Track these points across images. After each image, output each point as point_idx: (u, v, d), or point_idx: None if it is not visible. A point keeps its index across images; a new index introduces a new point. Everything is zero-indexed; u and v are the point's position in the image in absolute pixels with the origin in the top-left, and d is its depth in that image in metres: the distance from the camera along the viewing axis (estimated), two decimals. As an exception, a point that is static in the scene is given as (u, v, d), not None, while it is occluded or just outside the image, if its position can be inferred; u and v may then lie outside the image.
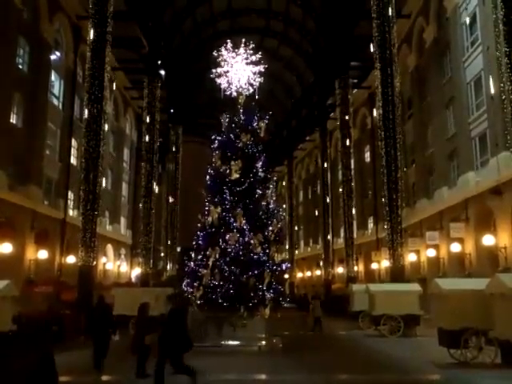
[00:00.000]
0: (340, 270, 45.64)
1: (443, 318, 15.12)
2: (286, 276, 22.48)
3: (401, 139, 28.05)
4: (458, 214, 28.25)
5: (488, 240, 24.47)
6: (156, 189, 39.98)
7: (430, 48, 33.24)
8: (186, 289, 20.67)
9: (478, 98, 27.65)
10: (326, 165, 50.65)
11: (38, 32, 30.71)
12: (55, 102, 34.76)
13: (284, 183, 71.92)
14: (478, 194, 25.77)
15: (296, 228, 68.58)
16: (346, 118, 41.38)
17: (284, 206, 66.21)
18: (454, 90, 30.12)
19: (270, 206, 21.87)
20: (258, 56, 23.34)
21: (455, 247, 27.84)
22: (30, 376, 4.47)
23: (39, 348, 4.81)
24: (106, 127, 28.88)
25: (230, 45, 23.24)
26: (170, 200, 54.62)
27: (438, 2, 31.91)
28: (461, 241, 27.80)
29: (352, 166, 41.74)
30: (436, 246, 30.77)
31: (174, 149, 55.32)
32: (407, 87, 37.37)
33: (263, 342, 18.66)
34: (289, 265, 23.88)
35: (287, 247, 59.14)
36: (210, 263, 19.99)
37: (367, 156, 48.05)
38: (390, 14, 27.18)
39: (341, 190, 41.74)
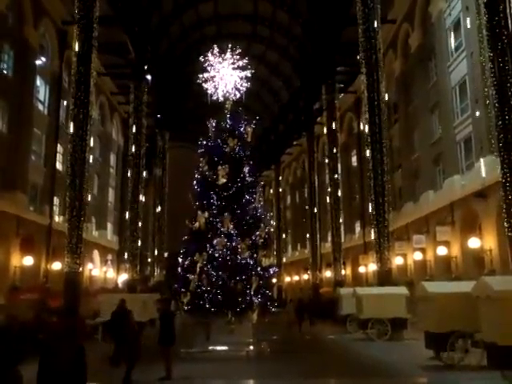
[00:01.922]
0: (328, 273, 45.71)
1: (430, 320, 15.20)
2: (274, 280, 22.49)
3: (387, 143, 28.23)
4: (444, 217, 28.48)
5: (474, 243, 24.69)
6: (143, 194, 39.73)
7: (415, 53, 33.54)
8: (174, 294, 20.63)
9: (463, 102, 27.96)
10: (312, 169, 50.77)
11: (22, 37, 30.49)
12: (40, 107, 34.49)
13: (271, 188, 71.99)
14: (464, 198, 26.01)
15: (283, 232, 68.62)
16: (333, 122, 41.55)
17: (271, 210, 66.25)
18: (439, 94, 30.41)
19: (258, 211, 21.89)
20: (245, 61, 23.42)
21: (441, 250, 28.04)
22: (72, 364, 6.12)
23: (75, 343, 6.44)
24: (92, 133, 28.69)
25: (216, 50, 23.30)
26: (157, 205, 54.37)
27: (423, 7, 32.24)
28: (447, 244, 28.01)
29: (339, 171, 41.89)
30: (422, 250, 30.97)
31: (160, 154, 55.13)
32: (393, 92, 37.67)
33: (251, 347, 18.61)
34: (276, 269, 23.92)
35: (275, 252, 59.12)
36: (198, 268, 19.95)
37: (354, 160, 48.30)
38: (376, 19, 27.35)
39: (328, 194, 41.84)
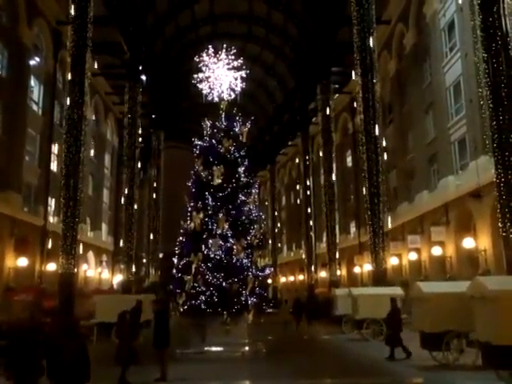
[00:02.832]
0: (323, 274, 45.74)
1: (425, 320, 15.23)
2: (269, 281, 22.50)
3: (382, 144, 28.29)
4: (439, 217, 28.55)
5: (468, 243, 24.76)
6: (138, 195, 39.62)
7: (410, 53, 33.63)
8: (169, 295, 20.61)
9: (458, 102, 28.04)
10: (308, 169, 50.79)
11: (16, 37, 30.36)
12: (35, 107, 34.36)
13: (267, 188, 71.97)
14: (458, 198, 26.09)
15: (279, 233, 68.59)
16: (328, 123, 41.55)
17: (267, 210, 66.25)
18: (433, 95, 30.49)
19: (253, 211, 21.89)
20: (240, 61, 23.42)
21: (436, 250, 28.11)
22: (77, 358, 7.04)
23: (79, 340, 7.54)
24: (87, 133, 28.60)
25: (211, 50, 23.29)
26: (152, 206, 54.25)
27: (418, 8, 32.33)
28: (442, 244, 28.08)
29: (334, 171, 41.89)
30: (417, 250, 31.04)
31: (155, 154, 55.03)
32: (388, 92, 37.74)
33: (246, 348, 18.60)
34: (272, 270, 23.93)
35: (270, 252, 59.07)
36: (193, 269, 19.92)
37: (349, 160, 48.37)
38: (371, 20, 27.39)
39: (323, 194, 41.86)
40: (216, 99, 23.06)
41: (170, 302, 20.07)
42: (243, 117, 23.72)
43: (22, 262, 28.63)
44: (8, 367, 8.41)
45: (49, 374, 7.17)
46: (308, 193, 50.42)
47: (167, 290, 22.91)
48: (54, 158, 36.43)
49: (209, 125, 22.79)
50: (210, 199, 20.98)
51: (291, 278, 63.00)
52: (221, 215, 20.55)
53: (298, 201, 57.53)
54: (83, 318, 22.50)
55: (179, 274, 20.41)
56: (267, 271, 21.55)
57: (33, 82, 33.84)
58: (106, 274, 48.18)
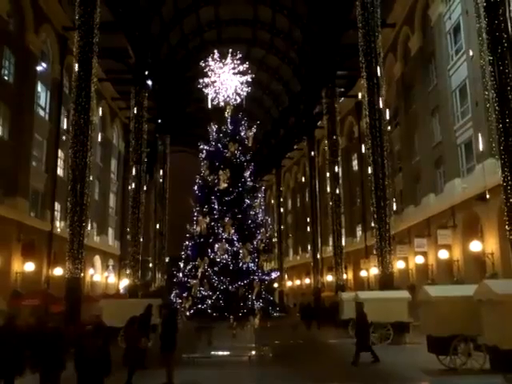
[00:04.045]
0: (329, 278, 45.64)
1: (432, 324, 15.17)
2: (276, 285, 22.51)
3: (388, 147, 28.23)
4: (446, 220, 28.44)
5: (475, 246, 24.61)
6: (144, 199, 39.72)
7: (415, 57, 33.59)
8: (174, 299, 20.63)
9: (463, 105, 27.96)
10: (313, 173, 50.75)
11: (23, 43, 30.60)
12: (41, 113, 34.56)
13: (272, 192, 71.96)
14: (465, 201, 25.98)
15: (285, 237, 68.52)
16: (333, 126, 41.55)
17: (272, 214, 66.22)
18: (439, 97, 30.42)
19: (259, 215, 21.91)
20: (245, 66, 23.51)
21: (443, 254, 27.98)
22: (99, 354, 8.11)
23: (100, 338, 8.65)
24: (93, 138, 28.72)
25: (217, 55, 23.40)
26: (158, 210, 54.34)
27: (423, 11, 32.31)
28: (448, 247, 27.95)
29: (340, 175, 41.87)
30: (424, 253, 30.90)
31: (161, 159, 55.15)
32: (393, 96, 37.69)
33: (253, 352, 18.55)
34: (278, 274, 23.93)
35: (276, 256, 58.99)
36: (199, 273, 19.96)
37: (355, 164, 48.31)
38: (376, 23, 27.40)
39: (329, 198, 41.82)
40: (222, 104, 23.16)
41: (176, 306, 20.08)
42: (249, 121, 23.82)
43: (29, 266, 28.73)
44: (35, 365, 10.21)
45: (76, 368, 8.14)
46: (314, 196, 50.36)
47: (169, 299, 22.79)
48: (60, 163, 36.60)
49: (214, 129, 22.88)
50: (216, 203, 21.03)
51: (297, 282, 62.88)
52: (227, 219, 20.59)
53: (304, 204, 57.42)
54: (90, 322, 22.55)
55: (186, 279, 20.44)
56: (273, 275, 21.55)
57: (40, 87, 34.05)
58: (112, 279, 48.28)
